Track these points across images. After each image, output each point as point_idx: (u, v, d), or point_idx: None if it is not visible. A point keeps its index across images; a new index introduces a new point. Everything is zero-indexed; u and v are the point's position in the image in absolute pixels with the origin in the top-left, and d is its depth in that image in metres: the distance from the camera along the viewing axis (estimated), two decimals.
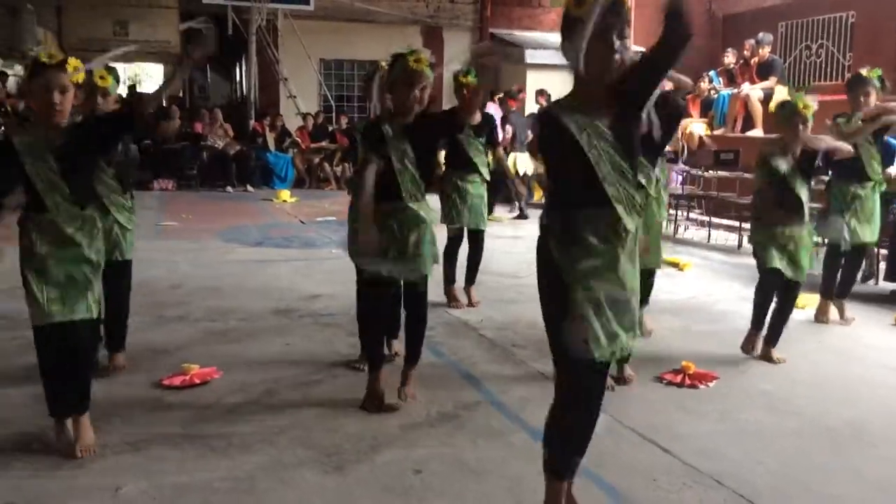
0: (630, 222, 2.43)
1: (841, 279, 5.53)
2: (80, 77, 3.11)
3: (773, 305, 4.64)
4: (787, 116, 4.44)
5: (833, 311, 5.51)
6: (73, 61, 3.10)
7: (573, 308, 2.39)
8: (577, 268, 2.40)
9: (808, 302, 5.63)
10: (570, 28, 2.38)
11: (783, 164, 4.44)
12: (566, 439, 2.55)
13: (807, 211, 4.50)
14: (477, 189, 5.59)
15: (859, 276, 6.01)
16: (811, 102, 4.41)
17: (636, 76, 2.33)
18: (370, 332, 3.72)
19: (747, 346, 4.69)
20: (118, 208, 4.05)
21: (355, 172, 4.32)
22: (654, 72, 2.32)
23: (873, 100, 5.21)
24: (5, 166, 3.10)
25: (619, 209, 2.40)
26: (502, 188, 10.34)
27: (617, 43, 2.34)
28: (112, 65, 4.35)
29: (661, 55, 2.27)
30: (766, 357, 4.58)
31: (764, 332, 4.66)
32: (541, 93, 14.13)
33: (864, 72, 5.30)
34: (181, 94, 20.44)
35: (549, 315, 2.50)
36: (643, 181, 4.15)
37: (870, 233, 5.37)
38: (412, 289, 3.75)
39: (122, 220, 4.07)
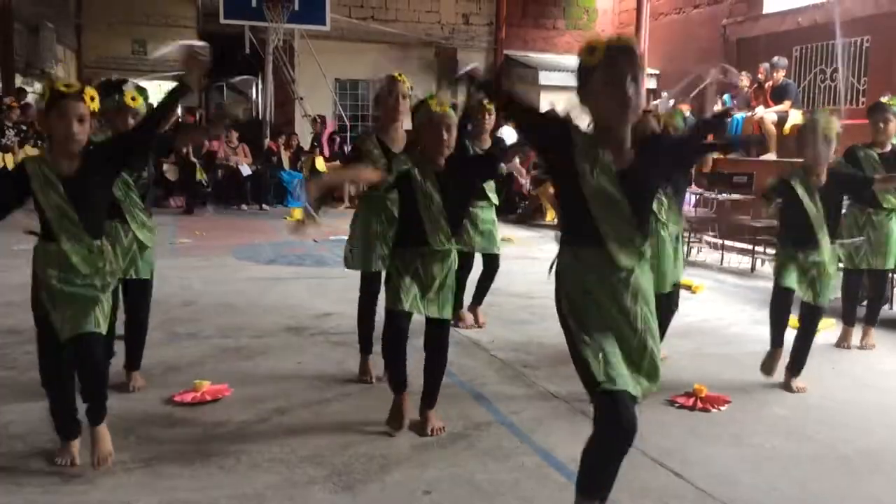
0: (625, 260, 2.44)
1: (867, 307, 5.50)
2: (96, 105, 3.15)
3: (794, 332, 4.52)
4: (809, 136, 4.26)
5: (855, 338, 5.45)
6: (89, 90, 3.12)
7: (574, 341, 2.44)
8: (575, 302, 2.45)
9: (825, 325, 5.58)
10: (584, 77, 2.43)
11: (800, 187, 4.30)
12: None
13: (825, 235, 4.31)
14: (487, 214, 5.57)
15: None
16: (835, 121, 4.23)
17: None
18: (394, 358, 3.70)
19: (768, 367, 4.52)
20: (139, 226, 4.05)
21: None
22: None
23: (892, 127, 5.22)
24: (13, 189, 3.16)
25: (612, 247, 2.42)
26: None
27: (631, 89, 2.35)
28: (142, 85, 4.37)
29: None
30: (787, 387, 4.45)
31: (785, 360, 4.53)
32: None
33: (884, 99, 5.29)
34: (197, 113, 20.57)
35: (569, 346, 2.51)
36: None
37: (883, 260, 5.34)
38: (433, 324, 3.69)
39: (141, 237, 4.07)
